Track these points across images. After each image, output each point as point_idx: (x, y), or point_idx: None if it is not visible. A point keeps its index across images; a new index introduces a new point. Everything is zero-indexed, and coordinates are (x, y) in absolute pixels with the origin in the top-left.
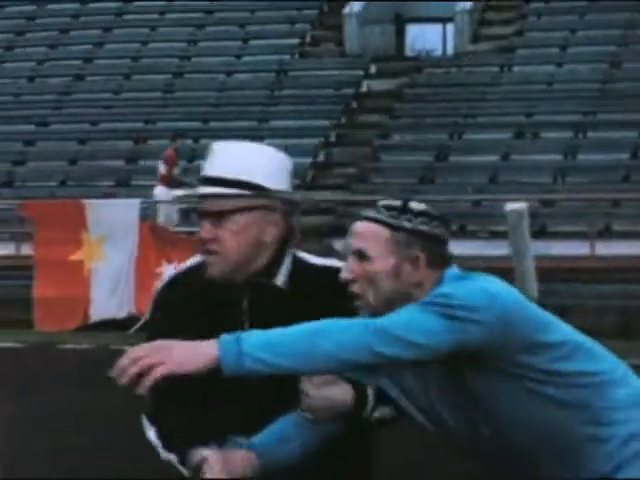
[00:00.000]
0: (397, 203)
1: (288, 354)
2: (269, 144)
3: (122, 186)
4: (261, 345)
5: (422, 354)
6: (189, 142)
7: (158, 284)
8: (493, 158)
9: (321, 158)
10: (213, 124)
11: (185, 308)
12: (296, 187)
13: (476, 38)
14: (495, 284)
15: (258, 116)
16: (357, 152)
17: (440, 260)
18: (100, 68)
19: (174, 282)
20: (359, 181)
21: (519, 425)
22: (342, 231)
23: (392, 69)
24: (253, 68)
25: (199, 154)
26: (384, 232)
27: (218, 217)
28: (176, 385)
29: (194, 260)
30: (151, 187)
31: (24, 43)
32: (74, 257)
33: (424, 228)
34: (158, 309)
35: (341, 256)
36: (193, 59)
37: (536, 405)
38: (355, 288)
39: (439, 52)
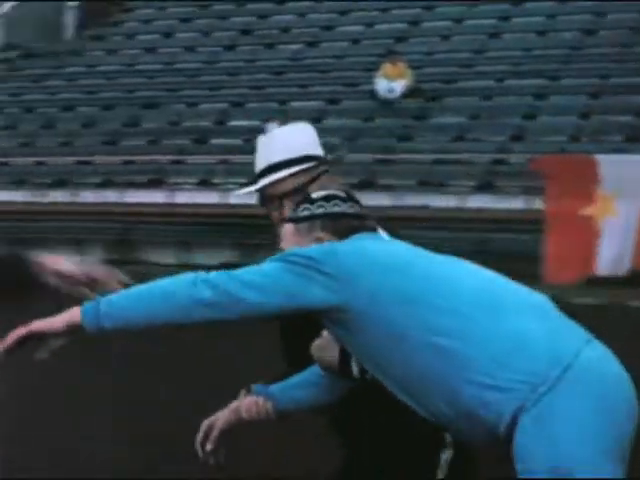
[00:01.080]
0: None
1: (135, 301)
2: None
3: (633, 141)
4: (116, 297)
5: (253, 295)
6: None
7: None
8: None
9: None
10: None
11: None
12: None
13: None
14: (355, 245)
15: None
16: None
17: (345, 232)
18: (611, 23)
19: None
20: None
21: (406, 378)
22: None
23: None
24: None
25: None
26: (290, 227)
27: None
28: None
29: None
30: None
31: None
32: (585, 212)
33: (320, 211)
34: None
35: None
36: None
37: (402, 348)
38: None
39: None
